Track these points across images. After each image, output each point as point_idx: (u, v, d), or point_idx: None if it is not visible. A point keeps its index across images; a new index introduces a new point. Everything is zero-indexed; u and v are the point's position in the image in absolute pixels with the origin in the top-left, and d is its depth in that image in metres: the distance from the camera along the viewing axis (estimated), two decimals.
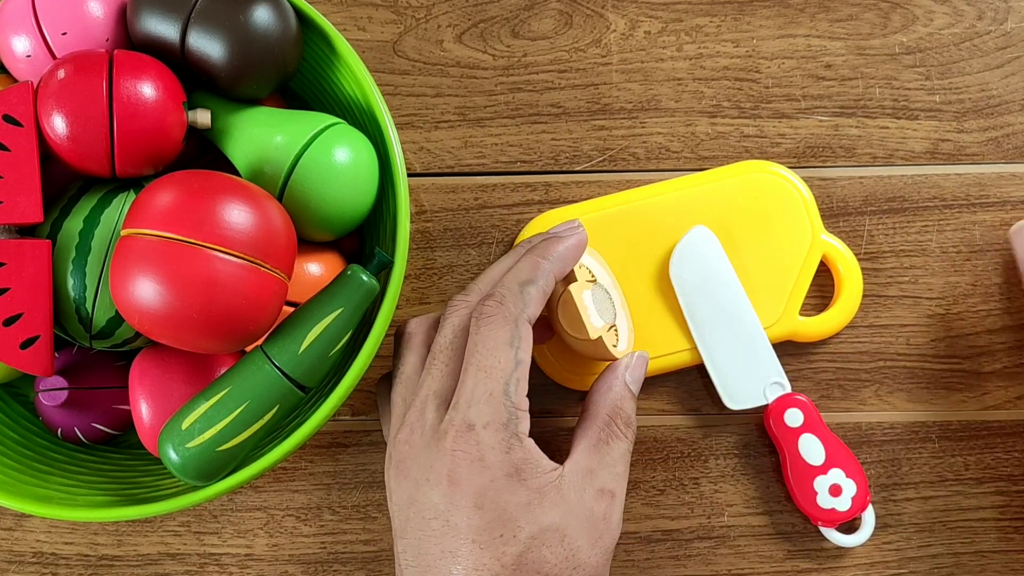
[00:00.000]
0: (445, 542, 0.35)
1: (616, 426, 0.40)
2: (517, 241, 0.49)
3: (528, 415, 0.37)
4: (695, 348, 0.48)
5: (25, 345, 0.39)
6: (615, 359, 0.43)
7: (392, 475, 0.38)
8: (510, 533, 0.35)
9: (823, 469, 0.46)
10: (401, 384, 0.41)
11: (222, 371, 0.42)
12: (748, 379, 0.47)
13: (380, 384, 0.45)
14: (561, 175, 0.51)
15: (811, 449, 0.46)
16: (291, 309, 0.43)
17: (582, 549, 0.36)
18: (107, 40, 0.42)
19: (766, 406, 0.47)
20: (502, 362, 0.36)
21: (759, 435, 0.49)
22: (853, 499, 0.46)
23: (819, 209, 0.50)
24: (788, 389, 0.47)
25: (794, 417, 0.47)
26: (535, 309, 0.38)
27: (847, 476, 0.46)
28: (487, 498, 0.35)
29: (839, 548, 0.48)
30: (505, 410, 0.36)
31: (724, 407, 0.48)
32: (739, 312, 0.47)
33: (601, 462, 0.38)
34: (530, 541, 0.35)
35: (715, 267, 0.48)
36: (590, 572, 0.36)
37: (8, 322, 0.38)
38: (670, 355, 0.48)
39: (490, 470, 0.35)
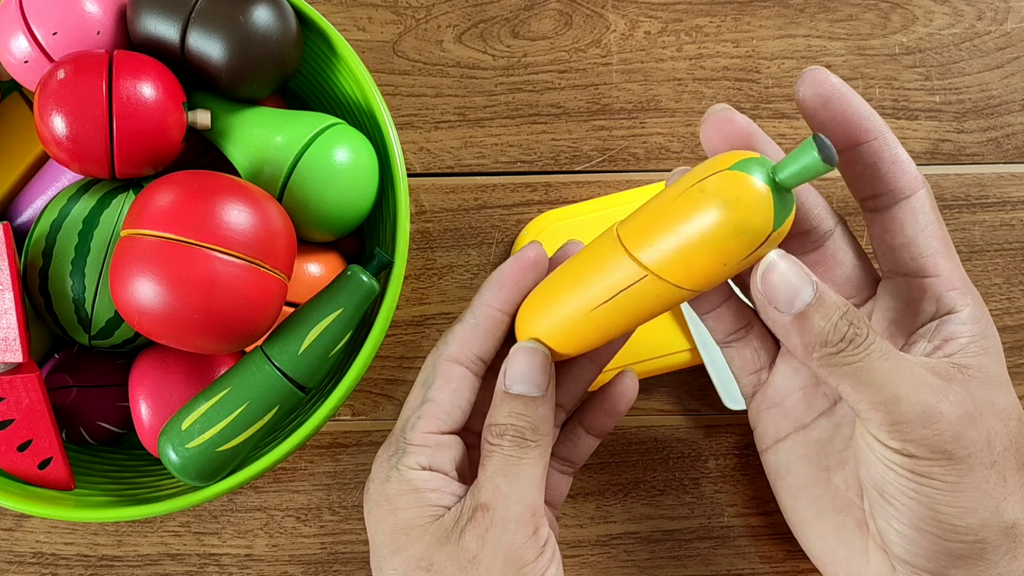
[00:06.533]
0: None
1: (486, 442, 0.37)
2: (517, 242, 0.49)
3: (426, 449, 0.36)
4: (695, 348, 0.48)
5: (42, 466, 0.41)
6: None
7: None
8: (377, 565, 0.36)
9: None
10: None
11: (222, 371, 0.42)
12: None
13: None
14: (561, 175, 0.51)
15: None
16: (291, 309, 0.43)
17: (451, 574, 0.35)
18: (98, 33, 0.41)
19: None
20: (411, 401, 0.38)
21: None
22: None
23: None
24: None
25: None
26: (457, 347, 0.37)
27: None
28: (369, 525, 0.37)
29: None
30: (395, 443, 0.37)
31: (724, 407, 0.48)
32: None
33: (477, 481, 0.36)
34: (393, 573, 0.36)
35: None
36: None
37: (22, 448, 0.41)
38: (670, 355, 0.48)
39: (370, 500, 0.37)
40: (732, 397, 0.47)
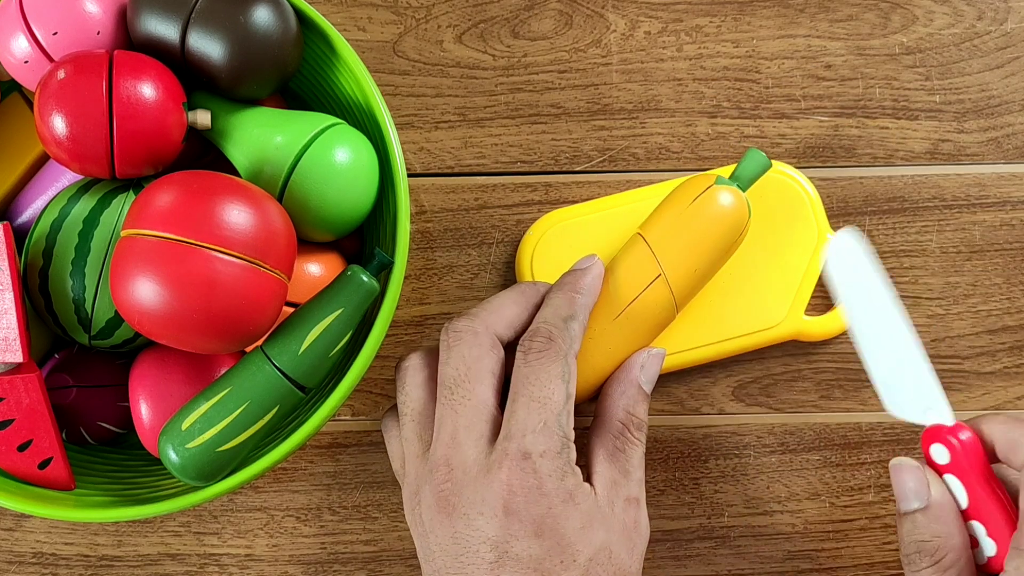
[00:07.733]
0: (504, 575, 0.36)
1: (630, 433, 0.40)
2: (523, 242, 0.49)
3: (575, 444, 0.38)
4: (700, 346, 0.47)
5: (42, 466, 0.41)
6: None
7: (430, 516, 0.38)
8: (570, 558, 0.36)
9: (962, 518, 0.39)
10: (413, 421, 0.40)
11: (222, 371, 0.42)
12: (909, 391, 0.42)
13: (386, 420, 0.43)
14: (561, 175, 0.51)
15: (952, 492, 0.40)
16: (291, 309, 0.43)
17: (624, 560, 0.38)
18: (98, 33, 0.41)
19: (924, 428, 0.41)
20: (555, 395, 0.38)
21: (759, 435, 0.49)
22: (988, 560, 0.39)
23: None
24: (945, 421, 0.40)
25: (939, 453, 0.40)
26: (579, 344, 0.40)
27: (988, 535, 0.39)
28: (546, 526, 0.36)
29: (839, 548, 0.48)
30: (559, 439, 0.37)
31: (724, 407, 0.48)
32: (895, 322, 0.42)
33: (622, 471, 0.39)
34: (588, 563, 0.36)
35: (869, 272, 0.42)
36: None
37: (22, 448, 0.41)
38: (671, 355, 0.48)
39: (548, 497, 0.36)
40: (894, 403, 0.42)
